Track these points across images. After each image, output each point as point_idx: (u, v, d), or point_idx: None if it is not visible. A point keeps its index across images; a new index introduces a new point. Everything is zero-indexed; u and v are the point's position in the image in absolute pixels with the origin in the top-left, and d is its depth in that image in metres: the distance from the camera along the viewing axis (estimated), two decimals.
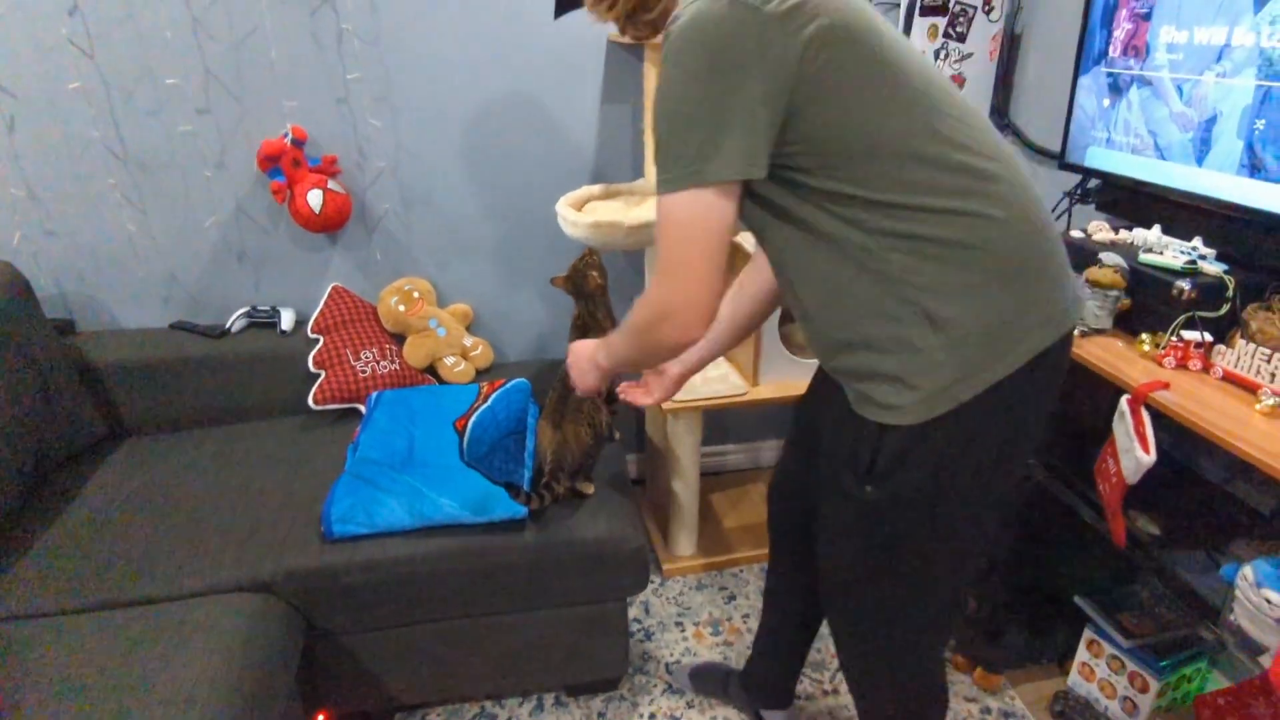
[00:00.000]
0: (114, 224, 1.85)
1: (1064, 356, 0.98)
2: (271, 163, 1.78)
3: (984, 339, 0.89)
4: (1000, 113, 2.12)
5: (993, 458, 0.96)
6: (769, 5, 0.81)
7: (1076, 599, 1.66)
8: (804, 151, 0.87)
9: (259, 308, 1.96)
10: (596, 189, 1.93)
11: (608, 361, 1.16)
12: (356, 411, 1.88)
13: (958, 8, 1.90)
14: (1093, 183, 1.77)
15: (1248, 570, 1.15)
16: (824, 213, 0.90)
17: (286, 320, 1.94)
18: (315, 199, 1.79)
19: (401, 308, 1.97)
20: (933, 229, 0.87)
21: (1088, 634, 1.64)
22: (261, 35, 1.74)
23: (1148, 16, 1.47)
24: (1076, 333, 1.43)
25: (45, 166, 1.77)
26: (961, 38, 1.94)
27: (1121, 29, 1.53)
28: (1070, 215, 1.83)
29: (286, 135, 1.79)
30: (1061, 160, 1.72)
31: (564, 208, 1.78)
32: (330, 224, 1.84)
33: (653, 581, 2.08)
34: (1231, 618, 1.18)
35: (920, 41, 1.92)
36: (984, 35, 1.95)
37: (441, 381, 2.01)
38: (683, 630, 1.92)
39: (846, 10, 0.84)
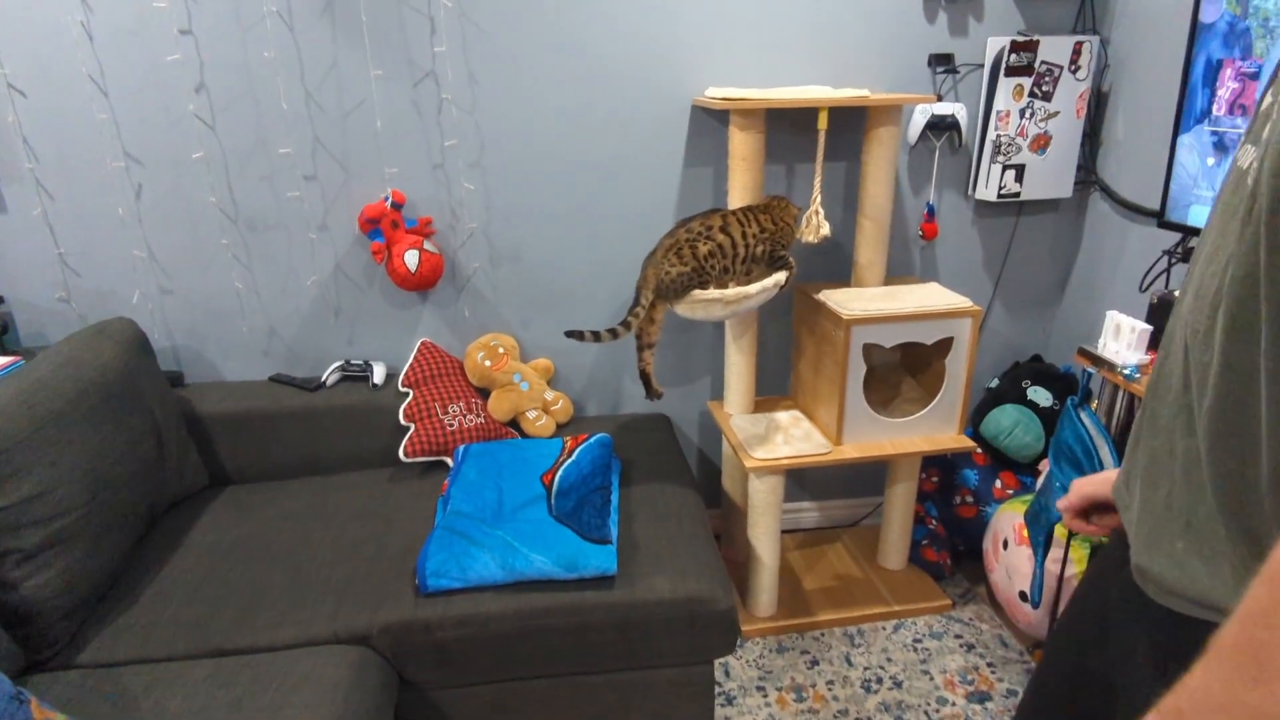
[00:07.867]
0: (223, 282, 1.96)
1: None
2: (372, 224, 1.87)
3: None
4: (1087, 169, 2.09)
5: None
6: None
7: None
8: None
9: (352, 362, 2.03)
10: None
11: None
12: (443, 464, 1.92)
13: (1044, 67, 1.91)
14: (1194, 241, 1.72)
15: None
16: None
17: (378, 374, 2.00)
18: (412, 259, 1.86)
19: (487, 363, 2.02)
20: None
21: None
22: (368, 107, 1.85)
23: (1255, 75, 1.45)
24: None
25: (165, 229, 1.89)
26: (1048, 96, 1.94)
27: (1226, 88, 1.51)
28: (1169, 274, 1.78)
29: (387, 199, 1.88)
30: (1160, 219, 1.69)
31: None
32: (425, 282, 1.91)
33: None
34: None
35: (1006, 102, 1.93)
36: (1070, 94, 1.94)
37: (523, 434, 2.04)
38: (765, 695, 1.87)
39: None
